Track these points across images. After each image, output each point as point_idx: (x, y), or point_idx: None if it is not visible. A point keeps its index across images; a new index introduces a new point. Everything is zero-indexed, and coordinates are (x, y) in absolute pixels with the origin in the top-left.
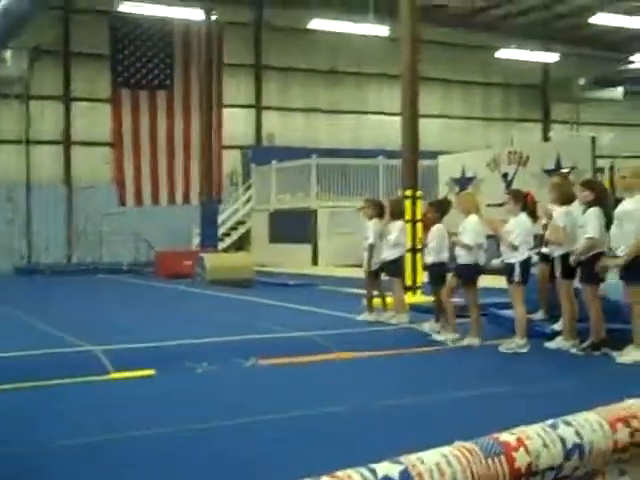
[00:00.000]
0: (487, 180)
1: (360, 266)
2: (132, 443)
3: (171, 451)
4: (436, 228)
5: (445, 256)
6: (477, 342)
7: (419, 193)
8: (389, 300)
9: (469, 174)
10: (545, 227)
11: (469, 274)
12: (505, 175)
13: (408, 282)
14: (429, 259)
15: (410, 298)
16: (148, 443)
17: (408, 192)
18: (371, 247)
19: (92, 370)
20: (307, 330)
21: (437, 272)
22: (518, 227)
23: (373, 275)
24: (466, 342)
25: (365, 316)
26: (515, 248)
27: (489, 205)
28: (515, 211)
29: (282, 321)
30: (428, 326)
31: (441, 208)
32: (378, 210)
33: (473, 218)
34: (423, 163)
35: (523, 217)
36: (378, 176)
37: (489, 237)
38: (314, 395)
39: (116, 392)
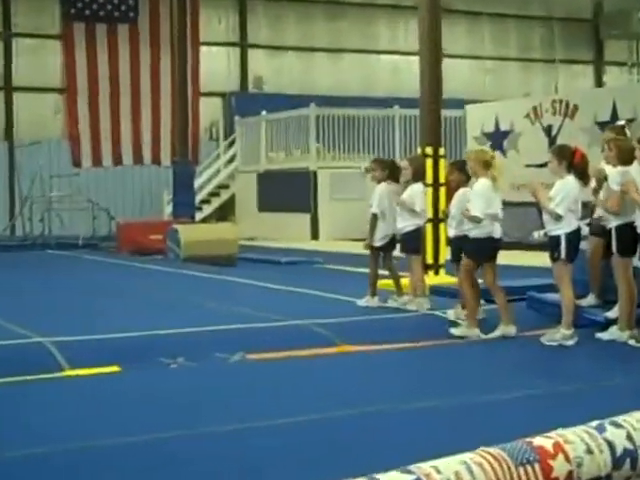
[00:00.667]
0: (526, 135)
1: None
2: (93, 454)
3: (141, 465)
4: (461, 192)
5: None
6: (513, 330)
7: (442, 151)
8: (405, 281)
9: (503, 127)
10: (597, 192)
11: (482, 251)
12: (548, 129)
13: (429, 259)
14: (451, 231)
15: (431, 279)
16: (113, 455)
17: (428, 150)
18: (374, 218)
19: (42, 367)
20: (304, 318)
21: (460, 247)
22: (563, 192)
23: (376, 252)
24: (499, 332)
25: (366, 301)
26: (560, 218)
27: (528, 166)
28: (560, 172)
29: (274, 307)
30: (453, 313)
31: (466, 169)
32: (389, 172)
33: (483, 182)
34: (447, 114)
35: (570, 180)
36: (393, 130)
37: (528, 205)
38: (315, 396)
39: (72, 393)
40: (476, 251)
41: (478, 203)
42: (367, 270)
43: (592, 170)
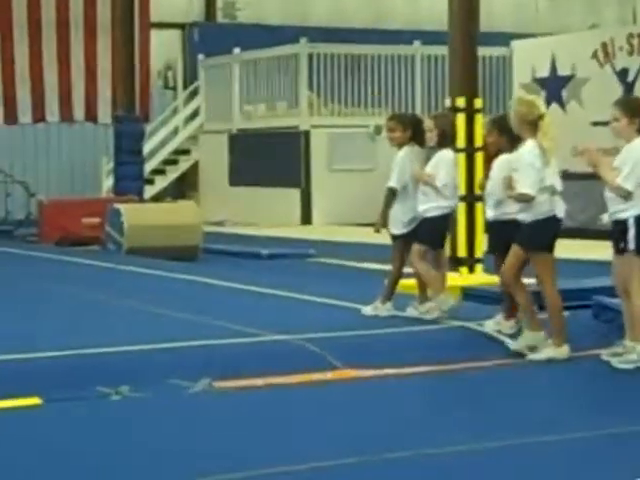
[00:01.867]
0: (593, 81)
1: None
2: None
3: None
4: (503, 160)
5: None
6: (565, 352)
7: (479, 103)
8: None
9: (563, 71)
10: None
11: (542, 237)
12: (623, 73)
13: (460, 252)
14: (489, 212)
15: (464, 279)
16: None
17: (460, 102)
18: (390, 194)
19: None
20: (292, 332)
21: (502, 235)
22: (631, 161)
23: (401, 242)
24: (544, 354)
25: (374, 308)
26: (629, 195)
27: (596, 123)
28: (629, 134)
29: (251, 317)
30: (492, 325)
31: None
32: (413, 131)
33: (530, 147)
34: (486, 53)
35: None
36: (412, 75)
37: (596, 177)
38: (309, 439)
39: None
40: (534, 237)
41: (527, 175)
42: (377, 266)
43: None
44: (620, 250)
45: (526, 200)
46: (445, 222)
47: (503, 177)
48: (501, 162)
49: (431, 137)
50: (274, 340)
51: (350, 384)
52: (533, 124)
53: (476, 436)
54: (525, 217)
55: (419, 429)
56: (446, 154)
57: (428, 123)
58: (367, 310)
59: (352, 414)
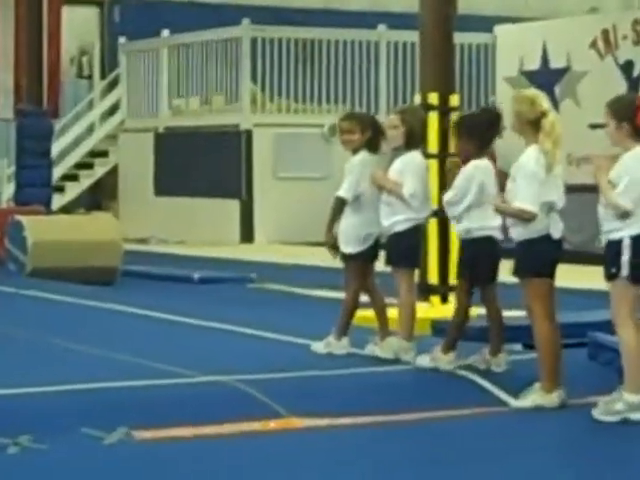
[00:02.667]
0: (592, 75)
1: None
2: None
3: None
4: (470, 168)
5: (492, 223)
6: (555, 400)
7: (455, 100)
8: (393, 313)
9: (556, 63)
10: None
11: (536, 261)
12: (627, 66)
13: (431, 278)
14: (458, 226)
15: (436, 310)
16: None
17: (433, 98)
18: (339, 204)
19: None
20: (229, 372)
21: (474, 254)
22: (626, 174)
23: (354, 262)
24: (529, 401)
25: (327, 345)
26: (625, 215)
27: (594, 126)
28: (622, 140)
29: (179, 354)
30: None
31: (482, 127)
32: (372, 134)
33: (532, 153)
34: (466, 40)
35: (638, 153)
36: (376, 64)
37: (595, 190)
38: None
39: None
40: (524, 259)
41: (529, 188)
42: (331, 294)
43: None
44: (611, 276)
45: (526, 218)
46: (417, 235)
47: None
48: (467, 171)
49: (396, 136)
50: (205, 382)
51: (296, 435)
52: (535, 124)
53: None
54: (515, 235)
55: None
56: (414, 157)
57: (393, 119)
58: (318, 347)
59: (297, 472)
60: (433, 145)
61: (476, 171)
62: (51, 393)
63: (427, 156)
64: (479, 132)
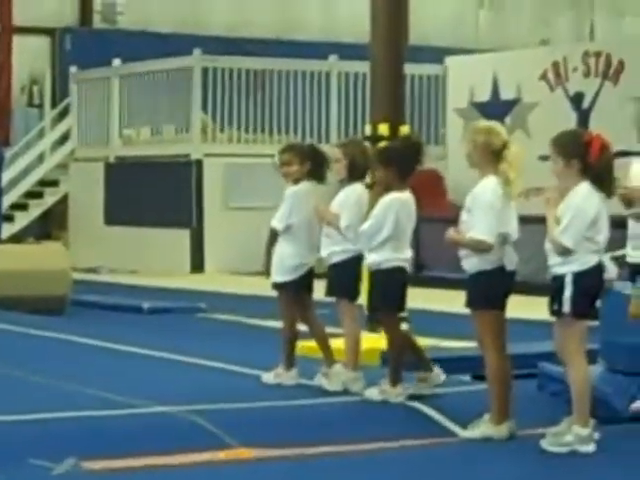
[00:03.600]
0: (542, 106)
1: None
2: None
3: None
4: (390, 198)
5: (403, 256)
6: (504, 432)
7: (405, 130)
8: (338, 344)
9: (506, 94)
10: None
11: (489, 292)
12: (577, 98)
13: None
14: (369, 258)
15: (382, 340)
16: None
17: (383, 128)
18: (272, 234)
19: None
20: (178, 403)
21: (384, 284)
22: (570, 211)
23: (287, 292)
24: (478, 432)
25: (277, 375)
26: (566, 252)
27: (544, 158)
28: (568, 177)
29: (128, 384)
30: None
31: (402, 157)
32: (312, 164)
33: (491, 184)
34: (416, 71)
35: (584, 190)
36: (327, 95)
37: (525, 221)
38: None
39: None
40: (476, 291)
41: (485, 219)
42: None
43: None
44: (554, 312)
45: (482, 249)
46: (355, 267)
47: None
48: (385, 203)
49: (339, 169)
50: (155, 412)
51: (246, 466)
52: (497, 155)
53: None
54: (468, 267)
55: None
56: (355, 190)
57: (336, 153)
58: (268, 378)
59: None
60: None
61: (393, 203)
62: None
63: (368, 187)
64: (399, 161)
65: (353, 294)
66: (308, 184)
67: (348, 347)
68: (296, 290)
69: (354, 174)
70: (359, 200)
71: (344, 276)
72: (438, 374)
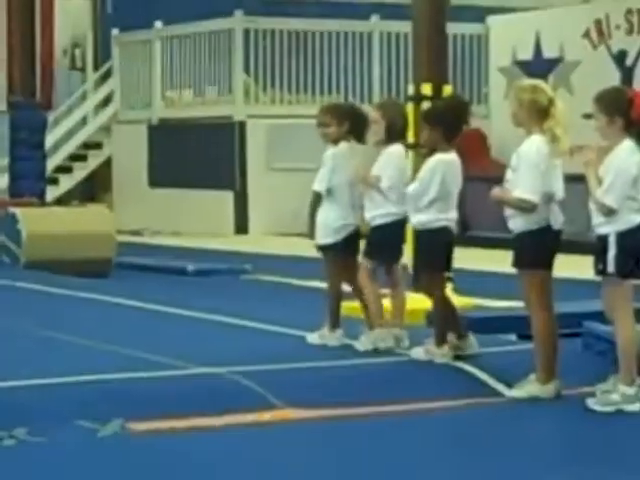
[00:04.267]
0: (585, 65)
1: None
2: None
3: None
4: (435, 160)
5: (449, 216)
6: (550, 391)
7: (448, 90)
8: (386, 305)
9: (549, 53)
10: None
11: (538, 251)
12: (620, 56)
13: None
14: (414, 219)
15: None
16: None
17: (426, 89)
18: (316, 198)
19: None
20: (223, 364)
21: (429, 243)
22: (612, 170)
23: (332, 254)
24: (524, 392)
25: (321, 336)
26: (609, 213)
27: (589, 116)
28: (611, 135)
29: (173, 346)
30: (423, 352)
31: (448, 117)
32: (350, 125)
33: (536, 143)
34: (458, 31)
35: (627, 148)
36: (369, 55)
37: (570, 180)
38: None
39: None
40: (524, 251)
41: (530, 178)
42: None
43: None
44: (599, 272)
45: (527, 208)
46: (398, 231)
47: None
48: (432, 163)
49: (377, 130)
50: (199, 373)
51: (291, 427)
52: (542, 112)
53: None
54: (514, 227)
55: None
56: (394, 151)
57: (373, 114)
58: (313, 338)
59: (291, 464)
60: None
61: (439, 164)
62: (46, 385)
63: (408, 147)
64: (445, 122)
65: (391, 258)
66: (347, 145)
67: (395, 305)
68: (341, 252)
69: (392, 135)
70: (399, 161)
71: (384, 239)
72: (472, 343)
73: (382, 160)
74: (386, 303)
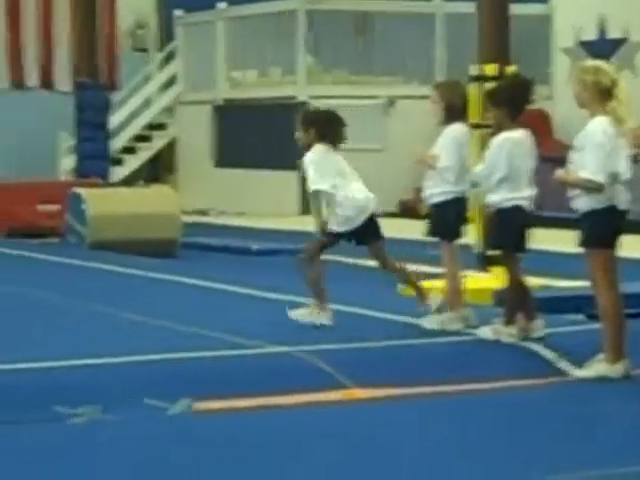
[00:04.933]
0: None
1: (396, 214)
2: None
3: None
4: (502, 139)
5: (522, 194)
6: (619, 370)
7: (512, 70)
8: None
9: (613, 34)
10: None
11: (600, 232)
12: None
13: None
14: (487, 198)
15: (497, 280)
16: None
17: (490, 69)
18: (318, 197)
19: None
20: (291, 344)
21: (502, 222)
22: None
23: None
24: (593, 371)
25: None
26: None
27: None
28: None
29: (240, 325)
30: (491, 332)
31: (512, 96)
32: (316, 131)
33: (600, 123)
34: (521, 11)
35: None
36: (432, 36)
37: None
38: (304, 472)
39: None
40: (589, 230)
41: (595, 158)
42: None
43: None
44: None
45: (593, 189)
46: (456, 209)
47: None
48: (500, 142)
49: (435, 111)
50: (267, 352)
51: (360, 406)
52: (606, 93)
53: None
54: (579, 206)
55: (439, 466)
56: (452, 131)
57: (432, 94)
58: (429, 322)
59: (359, 443)
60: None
61: (505, 143)
62: (114, 364)
63: (473, 126)
64: (509, 101)
65: (450, 236)
66: (322, 146)
67: (448, 287)
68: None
69: (451, 115)
70: (458, 141)
71: (442, 217)
72: (540, 325)
73: (441, 140)
74: (443, 283)
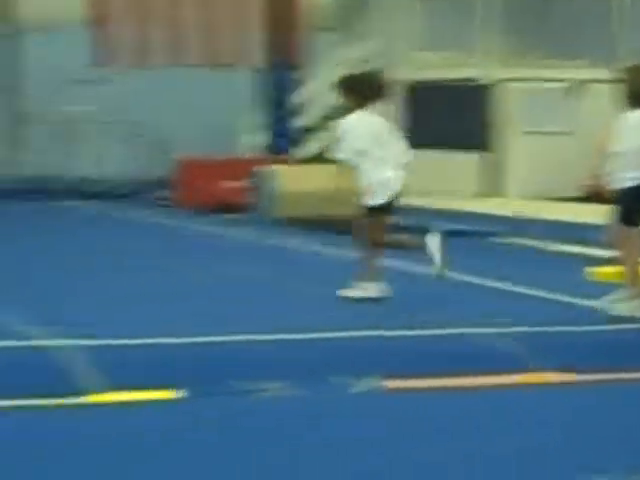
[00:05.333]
0: None
1: (588, 198)
2: None
3: None
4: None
5: None
6: None
7: None
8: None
9: None
10: None
11: None
12: None
13: None
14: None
15: None
16: None
17: None
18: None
19: (50, 385)
20: (479, 325)
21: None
22: None
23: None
24: None
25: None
26: None
27: None
28: None
29: (427, 303)
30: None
31: None
32: (357, 94)
33: None
34: None
35: None
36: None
37: None
38: (491, 453)
39: (105, 429)
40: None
41: None
42: (583, 249)
43: None
44: None
45: None
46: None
47: None
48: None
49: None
50: (454, 333)
51: (550, 390)
52: None
53: None
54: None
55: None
56: (633, 115)
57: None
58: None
59: (538, 427)
60: None
61: None
62: (298, 342)
63: None
64: None
65: (631, 222)
66: (355, 115)
67: (629, 274)
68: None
69: (635, 101)
70: (636, 125)
71: (625, 203)
72: None
73: (621, 124)
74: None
